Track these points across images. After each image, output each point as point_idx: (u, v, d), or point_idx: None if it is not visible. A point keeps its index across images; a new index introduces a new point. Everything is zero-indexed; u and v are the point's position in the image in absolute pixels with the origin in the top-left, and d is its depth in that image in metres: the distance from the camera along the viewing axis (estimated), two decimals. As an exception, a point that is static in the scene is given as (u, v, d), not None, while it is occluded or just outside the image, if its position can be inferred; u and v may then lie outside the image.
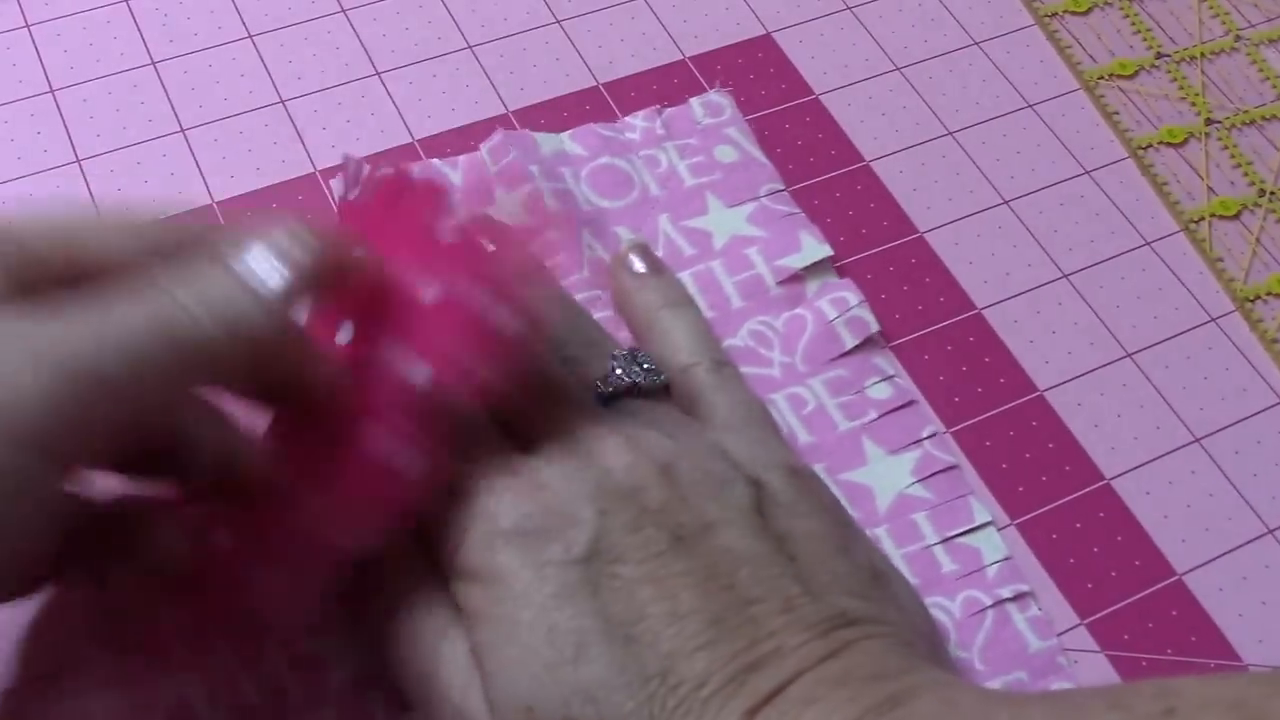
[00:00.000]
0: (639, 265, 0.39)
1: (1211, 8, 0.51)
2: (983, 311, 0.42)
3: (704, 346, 0.37)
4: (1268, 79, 0.49)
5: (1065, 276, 0.43)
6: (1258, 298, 0.43)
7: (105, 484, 0.28)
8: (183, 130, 0.43)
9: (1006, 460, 0.39)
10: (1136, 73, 0.49)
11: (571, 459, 0.30)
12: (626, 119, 0.44)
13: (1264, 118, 0.48)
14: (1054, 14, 0.50)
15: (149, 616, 0.28)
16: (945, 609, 0.36)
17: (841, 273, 0.42)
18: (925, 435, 0.39)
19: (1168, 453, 0.40)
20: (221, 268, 0.27)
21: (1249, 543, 0.38)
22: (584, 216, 0.41)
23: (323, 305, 0.31)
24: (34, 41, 0.45)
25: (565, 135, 0.43)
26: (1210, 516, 0.39)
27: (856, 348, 0.40)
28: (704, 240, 0.42)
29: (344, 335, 0.32)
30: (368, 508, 0.29)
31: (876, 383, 0.39)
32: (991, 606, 0.36)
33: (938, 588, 0.36)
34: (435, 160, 0.43)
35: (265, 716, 0.31)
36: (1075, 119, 0.47)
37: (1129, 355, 0.42)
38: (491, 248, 0.33)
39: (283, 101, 0.44)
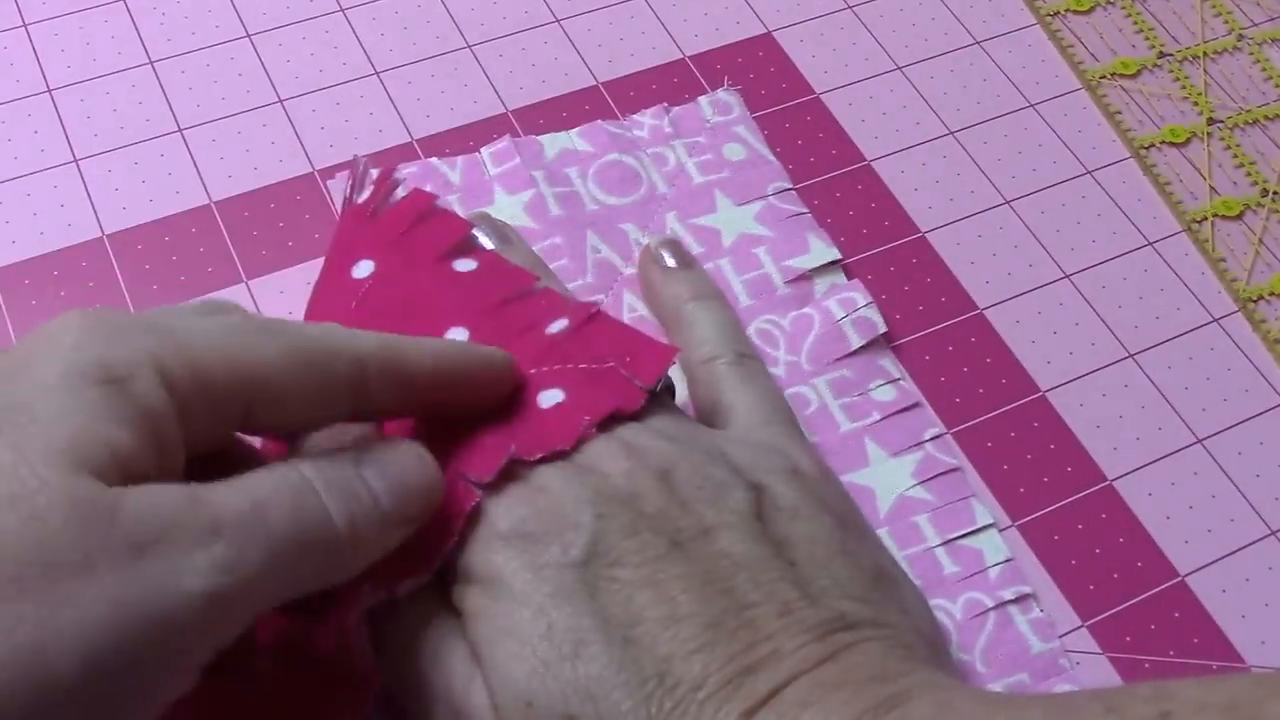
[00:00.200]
0: (670, 260, 0.39)
1: (1214, 7, 0.51)
2: (984, 312, 0.42)
3: (728, 339, 0.37)
4: (1270, 78, 0.49)
5: (1067, 277, 0.43)
6: (1260, 298, 0.43)
7: None
8: (180, 130, 0.43)
9: (1008, 461, 0.39)
10: (1139, 72, 0.49)
11: (570, 464, 0.30)
12: (634, 116, 0.44)
13: (1267, 117, 0.48)
14: (1056, 13, 0.50)
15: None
16: (947, 611, 0.35)
17: (843, 273, 0.42)
18: (927, 437, 0.38)
19: (1170, 454, 0.40)
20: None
21: (1252, 544, 0.38)
22: (591, 216, 0.41)
23: None
24: (31, 41, 0.45)
25: (573, 132, 0.43)
26: (1213, 518, 0.38)
27: (862, 349, 0.40)
28: (712, 238, 0.41)
29: None
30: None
31: (881, 385, 0.39)
32: (993, 608, 0.36)
33: (939, 590, 0.36)
34: (434, 160, 0.42)
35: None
36: (1077, 118, 0.47)
37: (1131, 356, 0.41)
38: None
39: (281, 101, 0.44)
